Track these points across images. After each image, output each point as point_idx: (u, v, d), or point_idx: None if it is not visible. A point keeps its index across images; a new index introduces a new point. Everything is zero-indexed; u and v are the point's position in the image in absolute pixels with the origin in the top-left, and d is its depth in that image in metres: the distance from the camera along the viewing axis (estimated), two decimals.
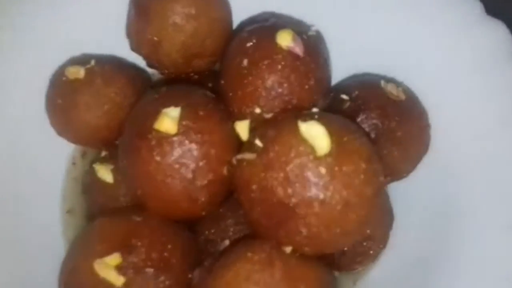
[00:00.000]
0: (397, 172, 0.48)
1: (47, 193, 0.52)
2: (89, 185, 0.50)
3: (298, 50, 0.41)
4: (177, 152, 0.38)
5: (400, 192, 0.50)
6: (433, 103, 0.48)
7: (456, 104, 0.46)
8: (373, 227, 0.44)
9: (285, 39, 0.41)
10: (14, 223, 0.48)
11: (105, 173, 0.48)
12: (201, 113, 0.40)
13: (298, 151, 0.35)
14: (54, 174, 0.53)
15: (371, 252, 0.47)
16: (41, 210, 0.51)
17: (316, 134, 0.34)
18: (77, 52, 0.53)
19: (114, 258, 0.37)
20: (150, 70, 0.56)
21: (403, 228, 0.49)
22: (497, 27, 0.44)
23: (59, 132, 0.50)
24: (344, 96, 0.47)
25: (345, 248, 0.44)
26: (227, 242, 0.44)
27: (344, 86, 0.49)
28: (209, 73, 0.55)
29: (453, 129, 0.47)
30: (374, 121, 0.46)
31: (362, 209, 0.35)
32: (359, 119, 0.46)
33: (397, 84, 0.48)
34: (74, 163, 0.55)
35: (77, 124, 0.48)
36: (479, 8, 0.46)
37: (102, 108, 0.47)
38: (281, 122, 0.37)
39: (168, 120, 0.38)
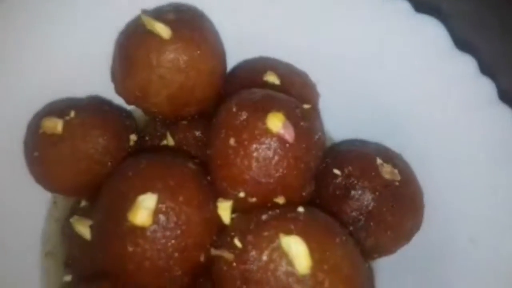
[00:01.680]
0: (384, 252, 0.46)
1: (27, 236, 0.51)
2: (67, 235, 0.49)
3: (288, 136, 0.37)
4: (150, 244, 0.36)
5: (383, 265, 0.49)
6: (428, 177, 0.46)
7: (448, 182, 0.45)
8: None
9: (275, 124, 0.37)
10: None
11: (82, 229, 0.46)
12: (179, 198, 0.37)
13: (277, 266, 0.33)
14: (34, 214, 0.52)
15: None
16: (20, 252, 0.50)
17: (297, 252, 0.32)
18: (62, 89, 0.50)
19: None
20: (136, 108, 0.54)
21: None
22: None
23: (37, 181, 0.48)
24: (336, 171, 0.44)
25: None
26: None
27: (337, 156, 0.46)
28: (198, 116, 0.53)
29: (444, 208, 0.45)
30: (367, 202, 0.43)
31: None
32: (350, 198, 0.44)
33: (394, 161, 0.45)
34: (55, 202, 0.54)
35: (53, 178, 0.46)
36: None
37: (80, 165, 0.45)
38: (263, 226, 0.35)
39: (142, 212, 0.36)
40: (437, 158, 0.46)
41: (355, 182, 0.44)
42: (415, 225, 0.46)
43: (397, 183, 0.43)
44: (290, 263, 0.32)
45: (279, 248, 0.33)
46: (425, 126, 0.47)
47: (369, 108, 0.51)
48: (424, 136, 0.47)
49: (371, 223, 0.43)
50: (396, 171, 0.44)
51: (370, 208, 0.43)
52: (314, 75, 0.54)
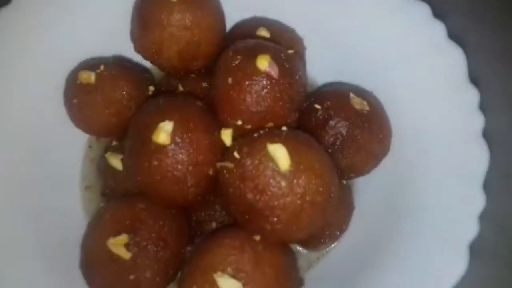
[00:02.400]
0: (359, 171, 0.56)
1: (69, 173, 0.62)
2: (103, 169, 0.60)
3: (274, 73, 0.47)
4: (170, 159, 0.47)
5: (362, 185, 0.60)
6: (396, 111, 0.56)
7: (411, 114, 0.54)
8: (332, 218, 0.54)
9: (263, 64, 0.47)
10: (42, 202, 0.57)
11: (115, 162, 0.57)
12: (191, 125, 0.48)
13: (265, 167, 0.43)
14: (74, 156, 0.63)
15: (332, 235, 0.57)
16: (64, 187, 0.62)
17: (280, 155, 0.43)
18: (89, 51, 0.61)
19: (123, 238, 0.48)
20: (152, 66, 0.64)
21: (362, 215, 0.58)
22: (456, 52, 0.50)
23: (76, 125, 0.59)
24: (317, 106, 0.54)
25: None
26: (214, 224, 0.55)
27: (318, 95, 0.56)
28: (205, 71, 0.63)
29: (409, 134, 0.55)
30: (342, 129, 0.53)
31: (313, 213, 0.44)
32: (328, 126, 0.54)
33: (364, 96, 0.54)
34: (90, 146, 0.65)
35: (90, 120, 0.57)
36: (443, 31, 0.51)
37: (110, 109, 0.56)
38: (255, 140, 0.45)
39: (163, 134, 0.46)
40: (402, 96, 0.56)
41: (332, 113, 0.54)
42: (383, 149, 0.56)
43: (365, 112, 0.53)
44: (275, 163, 0.43)
45: (266, 154, 0.43)
46: (392, 69, 0.56)
47: (347, 57, 0.61)
48: (391, 78, 0.56)
49: (345, 146, 0.53)
50: (365, 102, 0.53)
51: (344, 133, 0.53)
52: (301, 31, 0.63)
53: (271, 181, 0.43)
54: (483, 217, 0.47)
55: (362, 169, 0.56)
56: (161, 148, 0.47)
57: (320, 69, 0.62)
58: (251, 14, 0.62)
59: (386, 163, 0.57)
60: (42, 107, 0.59)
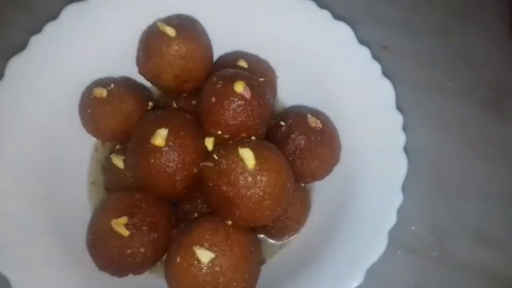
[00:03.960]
0: (316, 177, 0.70)
1: (78, 171, 0.75)
2: (107, 168, 0.73)
3: (247, 95, 0.61)
4: (163, 158, 0.60)
5: (320, 188, 0.73)
6: (344, 129, 0.71)
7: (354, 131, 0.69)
8: (291, 211, 0.68)
9: (239, 88, 0.61)
10: (54, 191, 0.68)
11: (118, 161, 0.70)
12: (181, 133, 0.61)
13: (236, 165, 0.57)
14: (83, 157, 0.76)
15: (291, 227, 0.70)
16: (74, 182, 0.74)
17: (247, 156, 0.56)
18: (101, 72, 0.74)
19: (123, 219, 0.60)
20: (151, 86, 0.78)
21: (317, 213, 0.72)
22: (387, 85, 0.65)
23: (88, 131, 0.72)
24: (282, 123, 0.68)
25: (271, 224, 0.67)
26: (196, 214, 0.68)
27: (283, 115, 0.70)
28: (194, 91, 0.77)
29: (352, 147, 0.69)
30: (300, 142, 0.67)
31: (272, 202, 0.57)
32: (290, 139, 0.67)
33: (319, 116, 0.69)
34: (96, 150, 0.78)
35: (100, 128, 0.70)
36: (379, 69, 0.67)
37: (117, 118, 0.68)
38: (229, 146, 0.59)
39: (160, 138, 0.60)
40: (347, 116, 0.70)
41: (293, 129, 0.67)
42: (334, 158, 0.69)
43: (318, 129, 0.67)
44: (243, 163, 0.56)
45: (237, 155, 0.57)
46: (341, 96, 0.70)
47: (309, 85, 0.74)
48: (340, 102, 0.70)
49: (303, 155, 0.67)
50: (318, 121, 0.67)
51: (302, 145, 0.66)
52: (274, 64, 0.78)
53: (240, 176, 0.56)
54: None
55: (318, 174, 0.70)
56: (157, 149, 0.60)
57: (288, 94, 0.77)
58: (233, 49, 0.77)
59: (337, 170, 0.71)
60: (60, 116, 0.71)
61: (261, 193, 0.57)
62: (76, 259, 0.63)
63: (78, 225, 0.67)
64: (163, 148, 0.60)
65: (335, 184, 0.71)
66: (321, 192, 0.73)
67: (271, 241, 0.72)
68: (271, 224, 0.68)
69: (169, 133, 0.60)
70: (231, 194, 0.57)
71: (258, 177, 0.56)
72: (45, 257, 0.60)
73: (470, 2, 0.93)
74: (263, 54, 0.78)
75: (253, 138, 0.61)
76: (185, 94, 0.75)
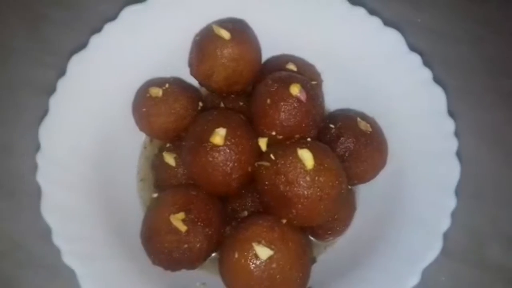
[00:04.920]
0: (362, 179, 0.71)
1: (128, 167, 0.77)
2: (157, 165, 0.75)
3: (303, 98, 0.63)
4: (221, 156, 0.62)
5: (364, 191, 0.75)
6: (391, 133, 0.72)
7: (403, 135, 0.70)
8: (339, 213, 0.69)
9: (295, 90, 0.63)
10: (108, 187, 0.71)
11: (170, 159, 0.72)
12: (238, 132, 0.63)
13: (295, 166, 0.58)
14: (132, 154, 0.78)
15: (338, 229, 0.71)
16: (125, 178, 0.76)
17: (306, 157, 0.58)
18: (155, 73, 0.77)
19: (181, 215, 0.62)
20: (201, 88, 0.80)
21: (361, 215, 0.73)
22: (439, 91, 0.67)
23: (141, 129, 0.74)
24: (331, 125, 0.70)
25: (321, 224, 0.69)
26: (245, 212, 0.69)
27: (332, 117, 0.72)
28: (242, 93, 0.79)
29: (399, 151, 0.70)
30: (350, 144, 0.68)
31: (328, 203, 0.59)
32: (339, 142, 0.69)
33: (367, 120, 0.70)
34: (145, 147, 0.80)
35: (154, 126, 0.72)
36: (430, 75, 0.68)
37: (171, 117, 0.71)
38: (287, 146, 0.61)
39: (218, 137, 0.62)
40: (396, 121, 0.71)
41: (343, 131, 0.69)
42: (381, 162, 0.71)
43: (369, 133, 0.69)
44: (302, 163, 0.58)
45: (296, 156, 0.59)
46: (390, 101, 0.72)
47: (355, 89, 0.76)
48: (389, 107, 0.72)
49: (352, 157, 0.68)
50: (368, 125, 0.69)
51: (351, 148, 0.68)
52: (319, 67, 0.80)
53: (299, 176, 0.58)
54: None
55: (364, 177, 0.71)
56: (216, 147, 0.62)
57: (333, 98, 0.79)
58: (280, 51, 0.79)
59: (382, 174, 0.72)
60: (115, 113, 0.74)
61: (318, 193, 0.58)
62: (132, 253, 0.65)
63: (130, 221, 0.69)
64: (221, 147, 0.62)
65: (379, 187, 0.72)
66: (364, 194, 0.74)
67: (316, 241, 0.74)
68: (319, 225, 0.69)
69: (227, 133, 0.62)
70: (289, 193, 0.58)
71: (316, 178, 0.58)
72: (106, 250, 0.62)
73: (504, 14, 0.97)
74: (308, 58, 0.79)
75: (308, 139, 0.63)
76: (232, 96, 0.77)
